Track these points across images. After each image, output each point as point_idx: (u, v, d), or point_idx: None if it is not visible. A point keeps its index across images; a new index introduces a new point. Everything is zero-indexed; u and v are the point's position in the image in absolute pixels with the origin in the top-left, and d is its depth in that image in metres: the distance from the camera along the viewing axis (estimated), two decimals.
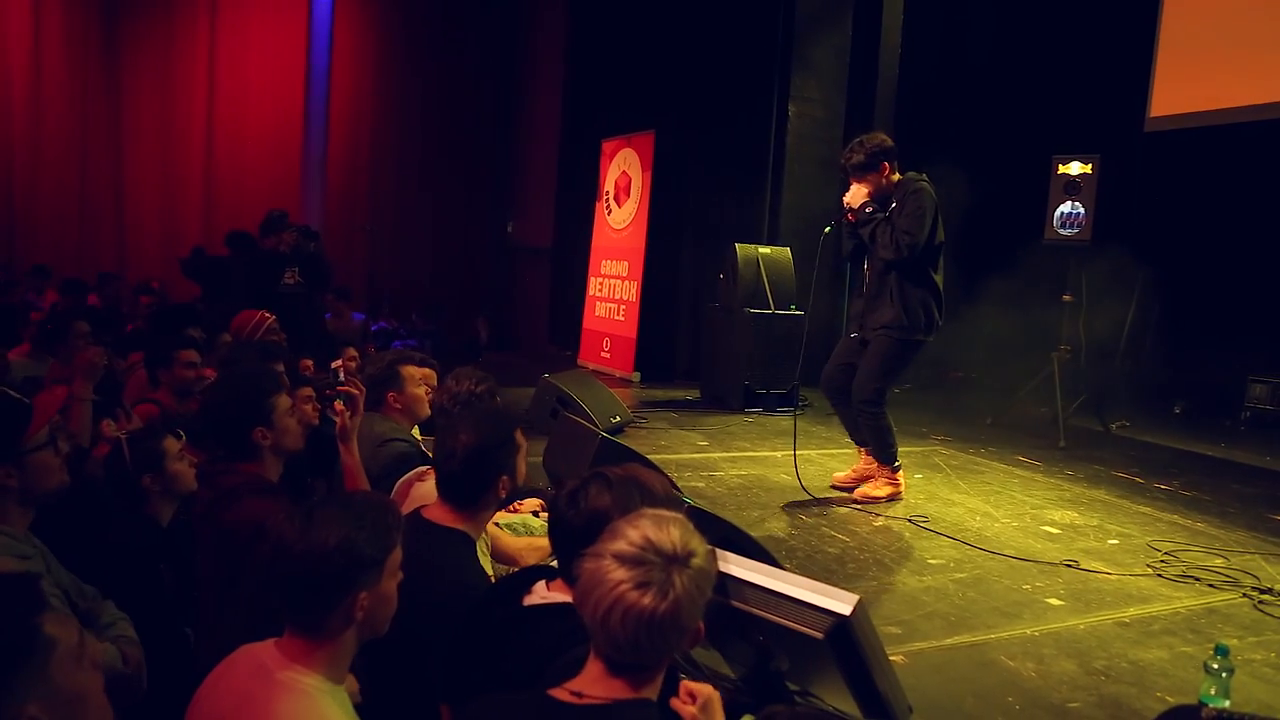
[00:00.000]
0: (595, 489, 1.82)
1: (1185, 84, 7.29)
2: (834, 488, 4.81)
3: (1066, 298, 6.76)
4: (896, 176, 4.50)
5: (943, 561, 3.77)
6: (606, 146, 9.54)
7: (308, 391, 3.64)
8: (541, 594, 1.88)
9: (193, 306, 5.56)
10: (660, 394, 7.83)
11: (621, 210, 9.14)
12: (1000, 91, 8.76)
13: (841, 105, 8.54)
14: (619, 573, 1.41)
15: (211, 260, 8.86)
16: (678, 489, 4.01)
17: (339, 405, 2.86)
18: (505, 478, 2.26)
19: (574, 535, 1.77)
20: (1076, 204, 6.62)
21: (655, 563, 1.41)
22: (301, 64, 11.75)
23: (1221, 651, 2.33)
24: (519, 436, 2.34)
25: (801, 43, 8.31)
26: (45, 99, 11.18)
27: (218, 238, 10.23)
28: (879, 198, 4.49)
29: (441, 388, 3.56)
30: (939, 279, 4.49)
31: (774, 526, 4.16)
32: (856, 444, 4.88)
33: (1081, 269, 6.75)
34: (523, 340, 12.30)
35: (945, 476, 5.23)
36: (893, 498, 4.63)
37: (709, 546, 1.52)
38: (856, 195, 4.50)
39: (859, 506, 4.53)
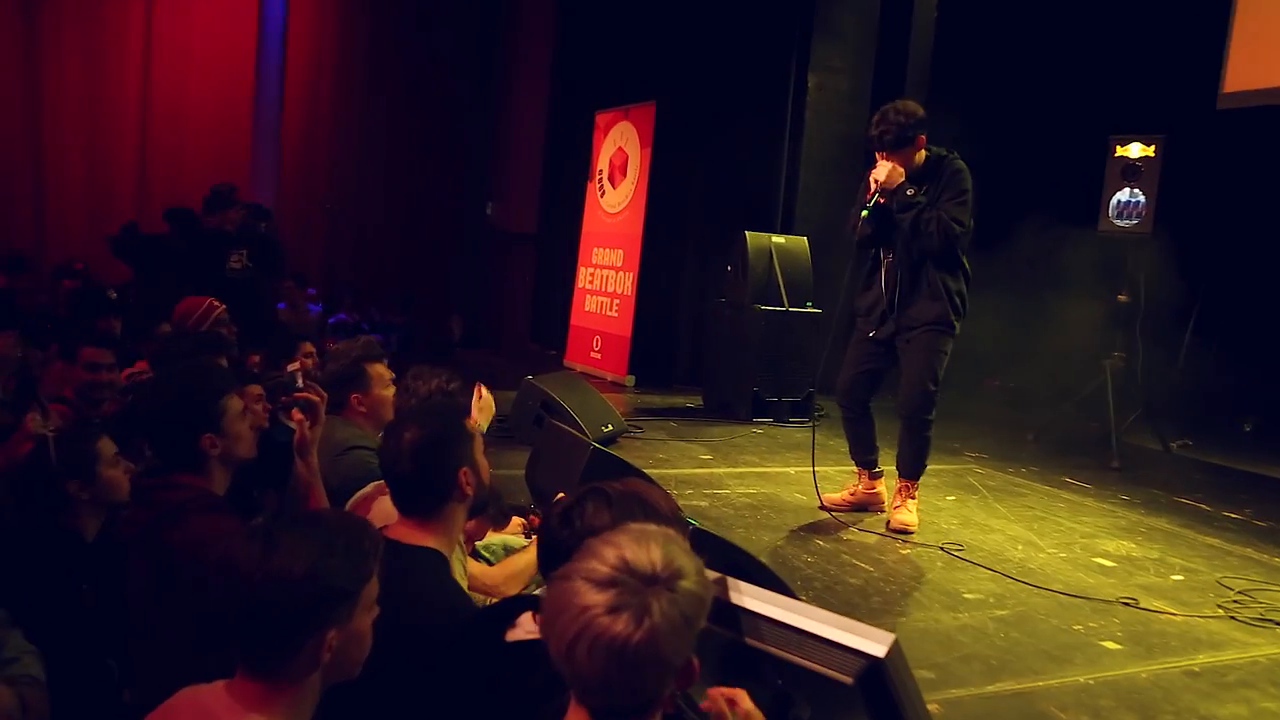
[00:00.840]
0: (593, 506, 1.78)
1: (1265, 56, 7.24)
2: (825, 509, 4.73)
3: (1122, 297, 6.72)
4: (924, 153, 4.43)
5: (981, 596, 3.71)
6: (600, 119, 9.49)
7: (256, 390, 3.57)
8: (528, 628, 1.83)
9: (104, 293, 5.47)
10: (658, 400, 7.78)
11: (617, 192, 9.09)
12: (1049, 63, 8.69)
13: (868, 77, 8.51)
14: (590, 596, 1.34)
15: (146, 239, 8.76)
16: (678, 508, 3.97)
17: (297, 414, 2.78)
18: (466, 470, 2.23)
19: (566, 557, 1.67)
20: (1136, 191, 6.58)
21: (630, 585, 1.34)
22: (253, 21, 11.66)
23: None
24: (471, 425, 2.29)
25: (825, 5, 8.29)
26: None
27: (154, 214, 10.14)
28: (912, 177, 4.42)
29: (402, 388, 3.48)
30: (968, 265, 4.49)
31: (788, 553, 4.10)
32: (859, 464, 4.81)
33: (1139, 265, 6.70)
34: (502, 337, 12.24)
35: (981, 499, 5.18)
36: None
37: (702, 568, 1.46)
38: (893, 174, 4.34)
39: (885, 533, 4.46)
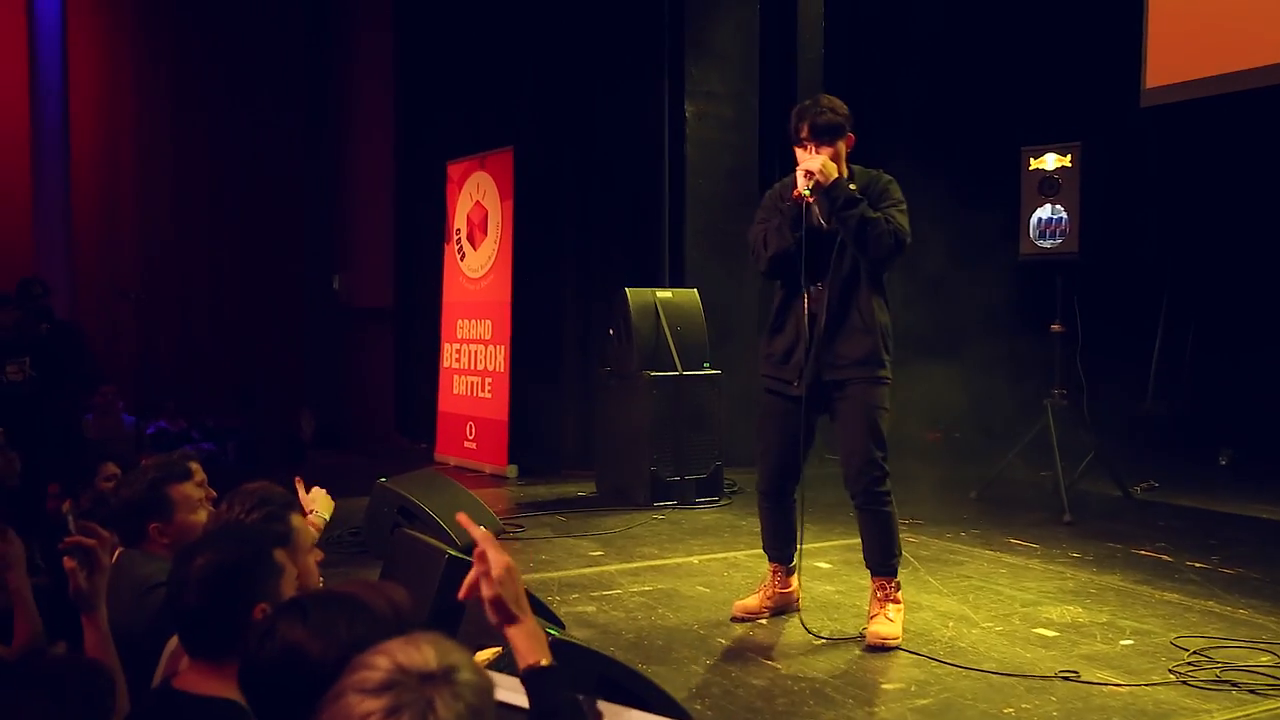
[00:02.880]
0: (285, 621, 1.86)
1: (1185, 46, 7.63)
2: (737, 619, 4.63)
3: (1055, 327, 7.02)
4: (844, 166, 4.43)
5: (901, 686, 3.82)
6: (453, 170, 9.64)
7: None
8: None
9: None
10: (544, 491, 7.85)
11: (478, 253, 9.21)
12: (955, 71, 9.16)
13: (755, 99, 8.81)
14: (366, 704, 1.45)
15: None
16: (552, 616, 4.02)
17: (68, 562, 2.77)
18: (264, 606, 2.24)
19: (263, 678, 1.84)
20: (1057, 207, 6.93)
21: (407, 684, 1.47)
22: (23, 88, 11.53)
23: None
24: (280, 557, 2.33)
25: (696, 22, 8.57)
26: None
27: None
28: None
29: (213, 515, 3.45)
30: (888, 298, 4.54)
31: (683, 656, 4.17)
32: (775, 560, 4.69)
33: (1071, 289, 7.02)
34: (362, 432, 12.16)
35: (912, 572, 5.31)
36: None
37: (474, 660, 1.58)
38: (829, 165, 4.26)
39: (800, 622, 4.56)
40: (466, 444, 9.12)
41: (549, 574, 5.39)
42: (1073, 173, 6.88)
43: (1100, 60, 8.23)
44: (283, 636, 1.83)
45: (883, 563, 4.45)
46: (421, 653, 1.52)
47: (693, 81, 8.58)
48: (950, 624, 4.51)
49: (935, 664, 4.03)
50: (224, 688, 2.24)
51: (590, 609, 4.82)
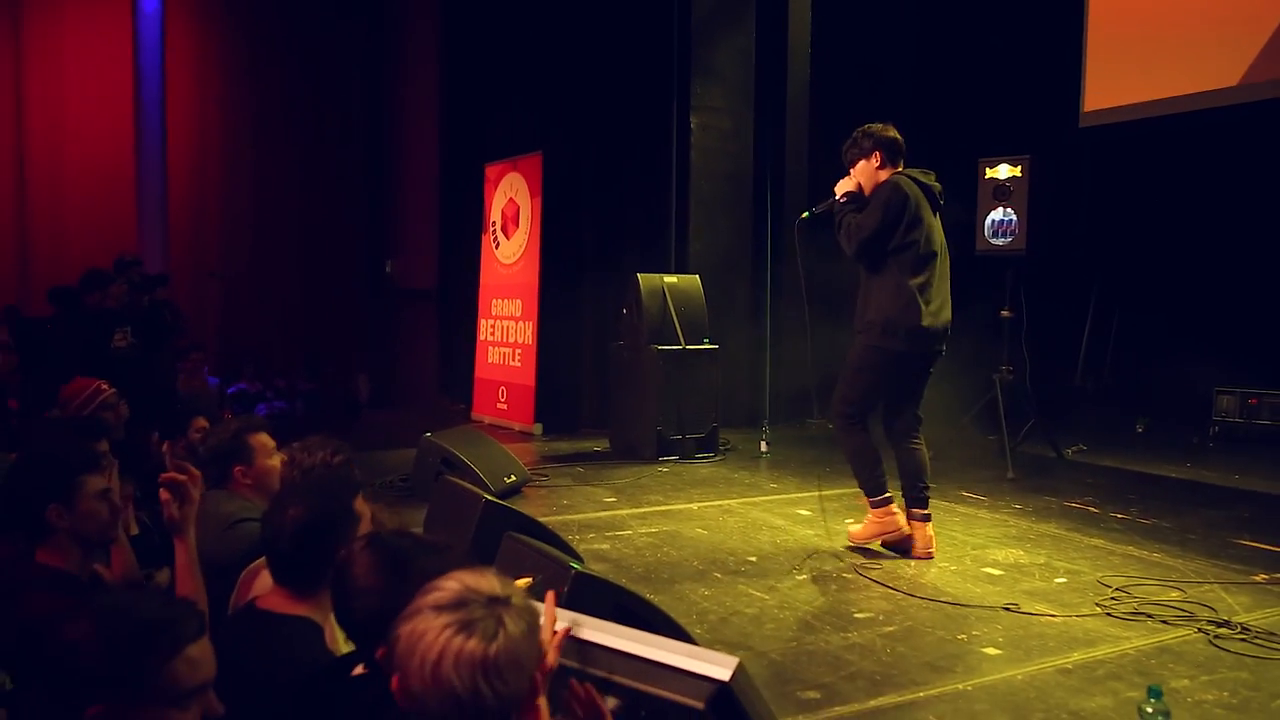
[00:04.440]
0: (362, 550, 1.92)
1: (1119, 74, 7.67)
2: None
3: (1005, 313, 7.01)
4: (886, 173, 4.66)
5: (871, 615, 3.85)
6: (490, 171, 9.61)
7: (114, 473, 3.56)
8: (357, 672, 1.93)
9: None
10: (565, 447, 7.86)
11: (511, 242, 9.19)
12: (924, 92, 9.11)
13: (749, 114, 8.79)
14: (442, 618, 1.47)
15: (26, 322, 8.59)
16: (573, 553, 4.05)
17: (163, 494, 2.80)
18: (343, 550, 2.26)
19: (358, 602, 1.89)
20: (1008, 210, 6.91)
21: (478, 602, 1.49)
22: (129, 86, 11.52)
23: (1155, 694, 2.42)
24: (359, 505, 2.34)
25: (700, 47, 8.54)
26: None
27: (39, 295, 9.92)
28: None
29: (289, 460, 3.49)
30: (915, 282, 4.53)
31: (685, 588, 4.19)
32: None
33: (1019, 281, 7.01)
34: (410, 394, 12.19)
35: None
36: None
37: (522, 590, 1.61)
38: (843, 182, 4.75)
39: (785, 560, 4.59)
40: (499, 405, 9.13)
41: (570, 516, 5.41)
42: (1022, 181, 6.86)
43: (1047, 85, 8.19)
44: (356, 576, 1.88)
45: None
46: (487, 579, 1.56)
47: (697, 97, 8.55)
48: (912, 564, 4.53)
49: (900, 596, 4.06)
50: (305, 609, 2.28)
51: (605, 546, 4.84)
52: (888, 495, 4.73)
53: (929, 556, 4.58)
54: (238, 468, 3.49)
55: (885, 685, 3.18)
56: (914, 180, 4.63)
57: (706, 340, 7.39)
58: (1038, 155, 6.97)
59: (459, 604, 1.49)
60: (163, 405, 6.52)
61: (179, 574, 2.76)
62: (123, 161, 11.57)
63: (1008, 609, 3.87)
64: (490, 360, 9.39)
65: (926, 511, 4.69)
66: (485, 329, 9.51)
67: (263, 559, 2.87)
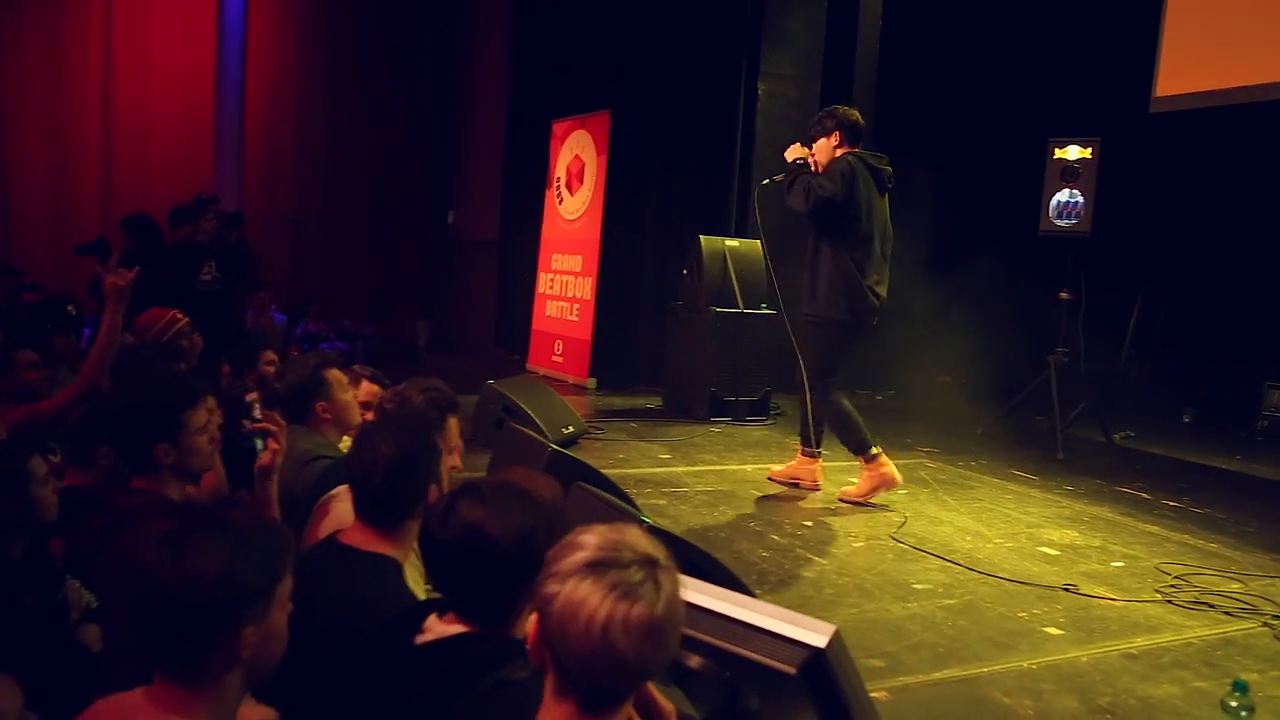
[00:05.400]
0: (466, 504, 1.79)
1: (1194, 61, 7.38)
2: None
3: (1064, 295, 6.80)
4: (841, 152, 4.79)
5: (930, 586, 3.75)
6: (557, 128, 9.47)
7: (212, 403, 3.53)
8: (435, 629, 1.85)
9: (62, 307, 5.36)
10: (618, 402, 7.78)
11: (574, 199, 9.08)
12: (993, 70, 8.82)
13: (816, 84, 8.55)
14: (603, 582, 1.36)
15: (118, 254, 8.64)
16: (635, 507, 3.97)
17: (271, 445, 2.76)
18: (435, 486, 2.23)
19: (448, 557, 1.78)
20: (1075, 192, 6.67)
21: (636, 564, 1.39)
22: (212, 29, 11.49)
23: (1240, 687, 2.31)
24: (439, 442, 2.30)
25: (772, 13, 8.32)
26: None
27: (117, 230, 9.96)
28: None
29: (397, 394, 3.35)
30: (855, 257, 4.74)
31: (744, 549, 4.11)
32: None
33: (1080, 264, 6.79)
34: (466, 343, 12.17)
35: (932, 492, 5.23)
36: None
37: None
38: (793, 149, 5.00)
39: (840, 527, 4.50)
40: (554, 358, 9.06)
41: (626, 470, 5.34)
42: (1091, 163, 6.62)
43: (1119, 67, 7.89)
44: (463, 517, 1.77)
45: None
46: (634, 536, 1.45)
47: (766, 64, 8.34)
48: (968, 538, 4.41)
49: (958, 570, 3.95)
50: (386, 547, 2.22)
51: (662, 502, 4.77)
52: (876, 450, 4.86)
53: (817, 488, 5.06)
54: (319, 403, 3.45)
55: (949, 658, 3.08)
56: (865, 163, 4.79)
57: (764, 306, 7.25)
58: (1108, 137, 6.73)
59: (615, 565, 1.38)
60: (233, 339, 6.53)
61: (261, 510, 2.73)
62: (202, 101, 11.55)
63: (1067, 590, 3.75)
64: (548, 313, 9.31)
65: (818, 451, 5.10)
66: (544, 282, 9.42)
67: (334, 491, 2.83)
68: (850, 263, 4.73)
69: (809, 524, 4.54)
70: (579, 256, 8.89)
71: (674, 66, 8.60)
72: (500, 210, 11.50)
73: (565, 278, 9.08)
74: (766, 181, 5.18)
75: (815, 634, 1.77)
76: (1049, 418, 6.61)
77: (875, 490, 4.86)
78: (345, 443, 3.97)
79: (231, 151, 11.35)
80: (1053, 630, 3.35)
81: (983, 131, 8.53)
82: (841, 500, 4.90)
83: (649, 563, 1.40)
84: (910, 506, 4.90)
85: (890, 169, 4.89)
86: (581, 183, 8.98)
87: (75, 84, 11.46)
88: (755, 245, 7.47)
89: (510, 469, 2.03)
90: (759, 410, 7.13)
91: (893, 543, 4.28)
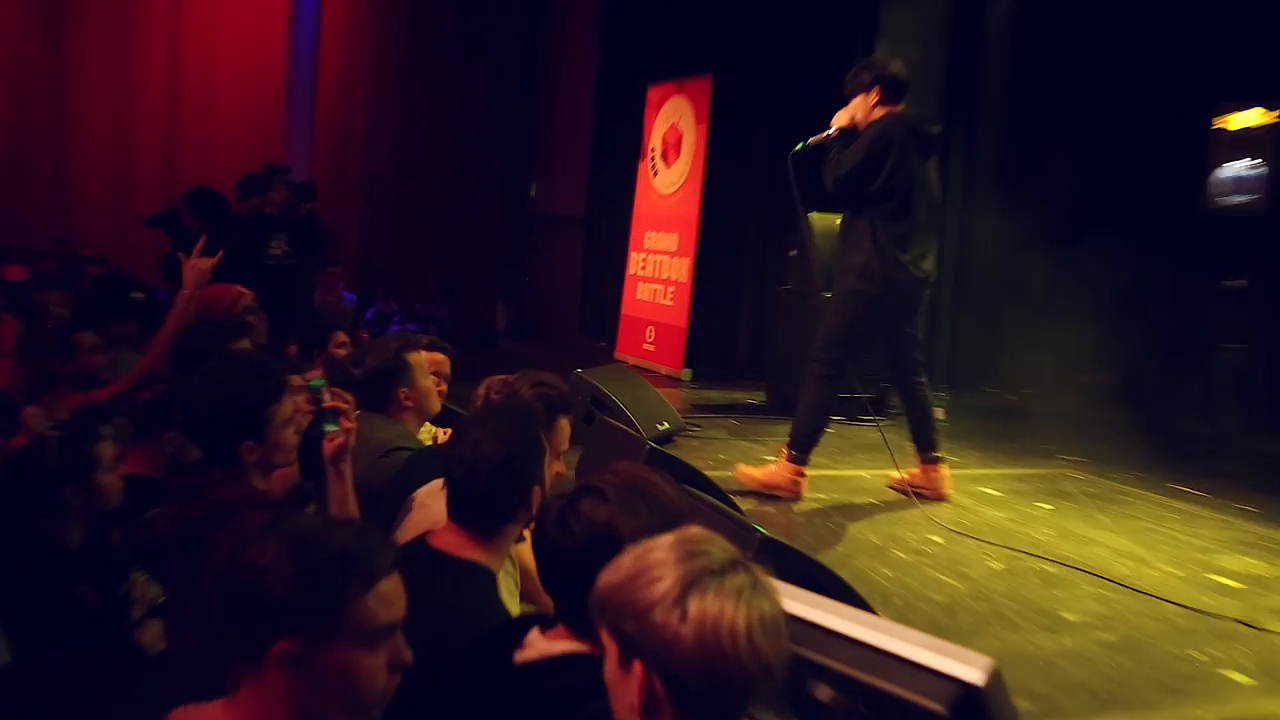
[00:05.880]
0: (588, 503, 1.75)
1: None
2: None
3: (1235, 283, 6.45)
4: (881, 112, 4.67)
5: (1084, 617, 3.55)
6: (653, 94, 9.40)
7: (299, 381, 3.53)
8: (538, 646, 1.80)
9: (125, 293, 5.46)
10: (717, 396, 7.67)
11: (670, 171, 8.99)
12: (1142, 31, 8.42)
13: (942, 47, 8.25)
14: (728, 586, 1.37)
15: (185, 227, 8.85)
16: (741, 513, 3.86)
17: (344, 424, 2.74)
18: (538, 488, 2.20)
19: (572, 565, 1.72)
20: (1253, 163, 6.31)
21: (738, 563, 1.40)
22: (284, 15, 11.70)
23: None
24: (562, 425, 2.43)
25: None
26: None
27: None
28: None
29: (505, 387, 3.25)
30: (895, 230, 4.60)
31: (862, 565, 3.96)
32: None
33: (1256, 245, 6.42)
34: (547, 328, 12.21)
35: (1080, 508, 5.00)
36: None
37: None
38: (839, 115, 4.81)
39: (968, 539, 4.32)
40: (645, 346, 9.00)
41: (727, 472, 5.17)
42: (1276, 130, 6.25)
43: None
44: (588, 517, 1.72)
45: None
46: (713, 537, 1.45)
47: (885, 24, 8.03)
48: (1126, 562, 4.17)
49: (1116, 599, 3.73)
50: (480, 553, 2.17)
51: (769, 510, 4.64)
52: (807, 458, 4.81)
53: (946, 498, 4.88)
54: (401, 389, 3.43)
55: (1111, 703, 2.91)
56: (906, 124, 4.65)
57: None
58: None
59: (718, 570, 1.38)
60: (301, 318, 6.59)
61: (334, 503, 2.71)
62: (273, 68, 11.77)
63: (1251, 627, 3.51)
64: (639, 297, 9.25)
65: (938, 454, 4.94)
66: (636, 263, 9.36)
67: (428, 486, 2.77)
68: (889, 238, 4.61)
69: (938, 539, 4.37)
70: (674, 235, 8.80)
71: (782, 26, 8.43)
72: (587, 183, 11.49)
73: (659, 258, 9.00)
74: (799, 147, 4.97)
75: (970, 668, 1.66)
76: (1217, 423, 6.28)
77: (777, 489, 4.74)
78: (424, 432, 3.97)
79: (303, 123, 11.54)
80: (1237, 677, 3.13)
81: (1130, 100, 8.14)
82: (738, 477, 4.79)
83: (736, 558, 1.41)
84: (1055, 524, 4.68)
85: (939, 129, 4.83)
86: (678, 154, 8.90)
87: (140, 53, 11.81)
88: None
89: (615, 463, 1.95)
90: (875, 409, 6.92)
91: (1037, 564, 4.08)
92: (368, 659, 1.49)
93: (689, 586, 1.34)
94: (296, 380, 3.36)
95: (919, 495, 4.85)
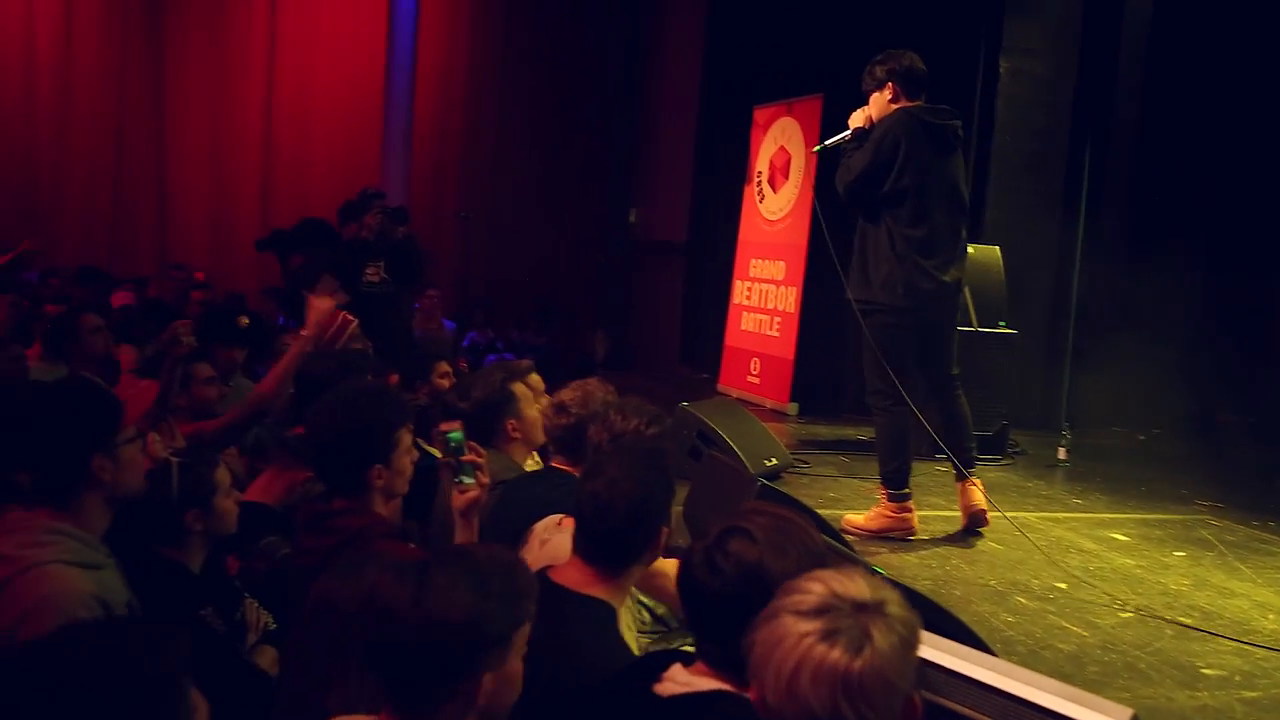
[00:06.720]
0: (737, 543, 1.85)
1: None
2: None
3: None
4: (895, 107, 4.68)
5: (1225, 673, 3.52)
6: (759, 115, 9.49)
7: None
8: (680, 681, 1.88)
9: (234, 321, 5.73)
10: (825, 431, 7.71)
11: (778, 196, 9.07)
12: None
13: (1073, 60, 8.23)
14: (802, 625, 1.45)
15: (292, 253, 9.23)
16: (851, 548, 3.91)
17: (481, 477, 2.83)
18: (665, 529, 2.33)
19: (720, 603, 1.82)
20: None
21: (843, 610, 1.47)
22: (383, 18, 12.13)
23: None
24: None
25: None
26: (76, 76, 11.79)
27: (278, 223, 10.64)
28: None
29: (603, 423, 3.38)
30: (913, 235, 4.57)
31: (984, 611, 3.98)
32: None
33: None
34: (647, 358, 12.33)
35: (1218, 556, 4.91)
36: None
37: (900, 596, 1.57)
38: (856, 115, 4.81)
39: (1102, 592, 4.30)
40: (749, 378, 9.06)
41: (839, 511, 5.26)
42: None
43: None
44: (738, 557, 1.82)
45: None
46: (855, 583, 1.52)
47: (1010, 37, 8.07)
48: (1270, 616, 4.11)
49: (1260, 655, 3.69)
50: (604, 591, 2.29)
51: (883, 550, 4.69)
52: (907, 491, 4.82)
53: (986, 521, 4.82)
54: (509, 421, 3.58)
55: None
56: (921, 120, 4.61)
57: (1003, 324, 7.03)
58: None
59: (823, 610, 1.47)
60: (402, 346, 6.83)
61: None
62: (371, 92, 12.20)
63: None
64: (743, 327, 9.33)
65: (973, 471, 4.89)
66: (740, 291, 9.45)
67: (555, 518, 2.90)
68: (908, 244, 4.56)
69: (1062, 585, 4.36)
70: (782, 263, 8.87)
71: (899, 42, 8.41)
72: (690, 209, 11.59)
73: (765, 287, 9.07)
74: (818, 149, 5.09)
75: None
76: None
77: (886, 532, 4.77)
78: (530, 461, 4.11)
79: (400, 148, 11.92)
80: None
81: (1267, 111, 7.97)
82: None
83: (863, 609, 1.46)
84: (1192, 573, 4.62)
85: (957, 122, 4.76)
86: (786, 178, 8.97)
87: (238, 72, 12.37)
88: (993, 252, 7.27)
89: (751, 503, 2.05)
90: (994, 447, 6.89)
91: (1172, 615, 4.05)
92: (519, 665, 1.69)
93: (791, 613, 1.48)
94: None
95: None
